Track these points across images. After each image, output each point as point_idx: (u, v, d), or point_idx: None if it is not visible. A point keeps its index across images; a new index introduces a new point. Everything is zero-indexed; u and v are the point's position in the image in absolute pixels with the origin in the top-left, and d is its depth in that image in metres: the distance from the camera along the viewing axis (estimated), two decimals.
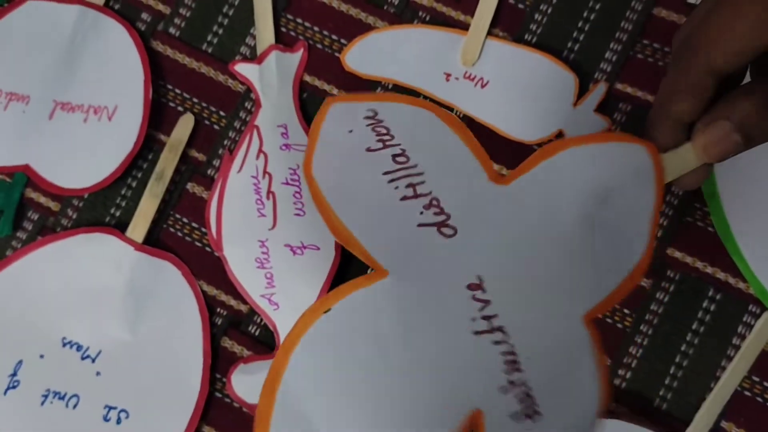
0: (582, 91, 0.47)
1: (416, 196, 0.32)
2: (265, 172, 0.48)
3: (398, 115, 0.33)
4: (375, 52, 0.49)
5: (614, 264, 0.32)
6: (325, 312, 0.29)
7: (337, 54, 0.49)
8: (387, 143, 0.32)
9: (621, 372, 0.45)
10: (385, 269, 0.31)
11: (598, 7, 0.48)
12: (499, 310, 0.30)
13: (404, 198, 0.32)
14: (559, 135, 0.46)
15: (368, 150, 0.32)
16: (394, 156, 0.32)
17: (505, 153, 0.47)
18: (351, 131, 0.33)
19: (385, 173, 0.32)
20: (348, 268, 0.47)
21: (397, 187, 0.32)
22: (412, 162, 0.32)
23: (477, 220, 0.32)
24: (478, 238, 0.31)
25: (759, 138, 0.30)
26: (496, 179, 0.33)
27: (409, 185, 0.32)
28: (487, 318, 0.30)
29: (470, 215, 0.32)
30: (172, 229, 0.49)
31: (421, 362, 0.29)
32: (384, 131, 0.33)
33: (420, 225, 0.32)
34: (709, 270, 0.45)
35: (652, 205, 0.33)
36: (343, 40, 0.49)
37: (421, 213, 0.32)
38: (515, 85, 0.47)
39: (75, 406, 0.46)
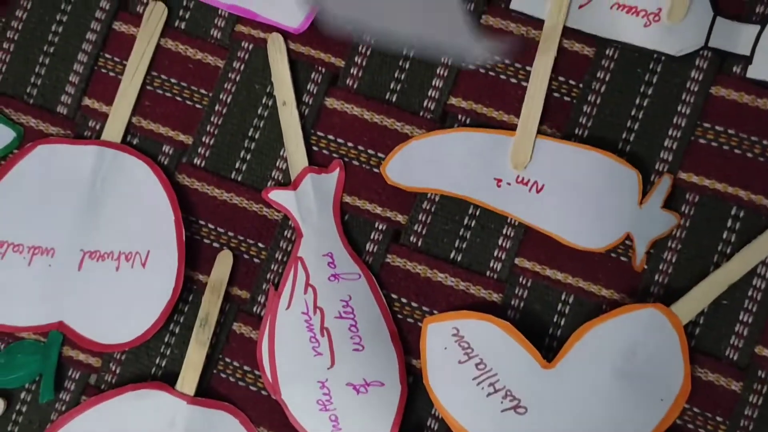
0: (645, 186, 0.44)
1: (496, 391, 0.43)
2: (315, 307, 0.45)
3: (473, 330, 0.44)
4: (417, 162, 0.46)
5: (655, 401, 0.42)
6: None
7: (375, 169, 0.46)
8: (470, 355, 0.44)
9: None
10: None
11: (650, 92, 0.45)
12: None
13: (489, 394, 0.43)
14: (627, 239, 0.43)
15: (459, 362, 0.44)
16: (476, 365, 0.43)
17: (571, 261, 0.44)
18: (446, 348, 0.44)
19: (474, 378, 0.43)
20: (414, 400, 0.44)
21: (482, 388, 0.43)
22: (488, 367, 0.43)
23: (539, 399, 0.43)
24: (543, 412, 0.43)
25: None
26: (544, 365, 0.43)
27: (490, 384, 0.43)
28: None
29: (533, 396, 0.43)
30: (223, 375, 0.46)
31: None
32: (466, 345, 0.44)
33: (503, 411, 0.43)
34: None
35: (677, 342, 0.42)
36: (380, 154, 0.46)
37: (501, 402, 0.43)
38: (573, 187, 0.44)
39: None
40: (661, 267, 0.44)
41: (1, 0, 0.48)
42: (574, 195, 0.44)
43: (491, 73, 0.46)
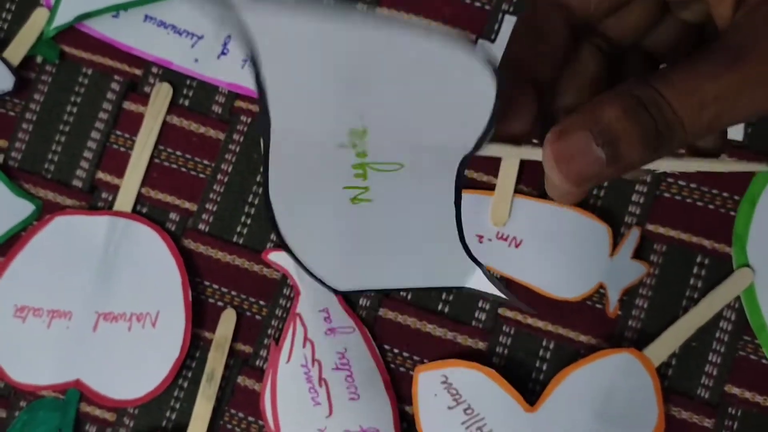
0: (616, 238, 0.47)
1: None
2: (314, 359, 0.48)
3: (460, 377, 0.47)
4: None
5: None
6: None
7: None
8: (459, 401, 0.46)
9: None
10: None
11: None
12: None
13: None
14: (601, 288, 0.47)
15: (449, 408, 0.47)
16: (464, 410, 0.46)
17: (550, 310, 0.47)
18: (436, 395, 0.47)
19: (462, 423, 0.46)
20: None
21: (470, 429, 0.46)
22: (476, 411, 0.46)
23: None
24: None
25: (625, 152, 0.22)
26: (528, 409, 0.46)
27: (477, 428, 0.46)
28: None
29: None
30: (229, 426, 0.49)
31: None
32: (455, 392, 0.46)
33: None
34: None
35: (650, 383, 0.45)
36: None
37: None
38: (549, 242, 0.47)
39: None
40: (633, 313, 0.47)
41: (22, 85, 0.53)
42: (550, 249, 0.47)
43: None
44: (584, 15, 0.25)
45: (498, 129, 0.23)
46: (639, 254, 0.47)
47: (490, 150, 0.25)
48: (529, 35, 0.25)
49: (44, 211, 0.52)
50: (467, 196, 0.49)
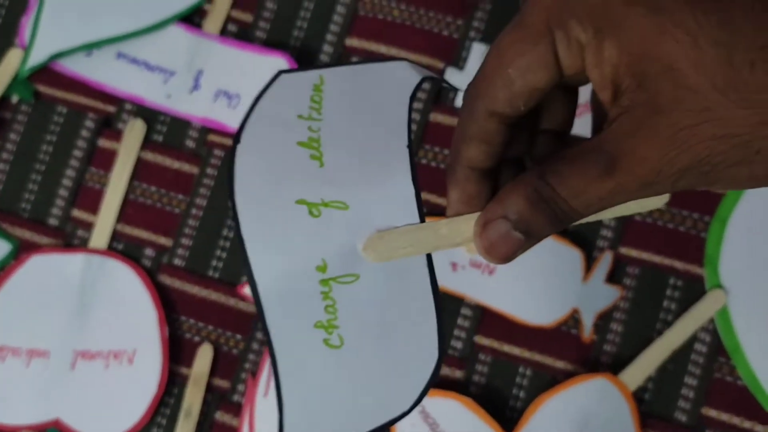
0: (589, 262, 0.47)
1: None
2: None
3: (438, 407, 0.47)
4: None
5: None
6: None
7: None
8: (436, 430, 0.47)
9: None
10: None
11: None
12: None
13: None
14: (575, 313, 0.47)
15: None
16: None
17: (526, 337, 0.47)
18: (413, 425, 0.47)
19: None
20: None
21: None
22: None
23: None
24: None
25: (537, 232, 0.27)
26: None
27: None
28: None
29: None
30: None
31: None
32: (432, 421, 0.46)
33: None
34: (747, 425, 0.45)
35: (627, 408, 0.46)
36: None
37: None
38: (523, 268, 0.47)
39: None
40: (608, 337, 0.47)
41: None
42: (523, 275, 0.47)
43: (442, 165, 0.50)
44: (517, 115, 0.28)
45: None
46: (612, 278, 0.47)
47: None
48: (474, 141, 0.29)
49: (21, 250, 0.53)
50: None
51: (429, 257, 0.30)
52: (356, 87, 0.31)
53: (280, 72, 0.30)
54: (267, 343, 0.28)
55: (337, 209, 0.29)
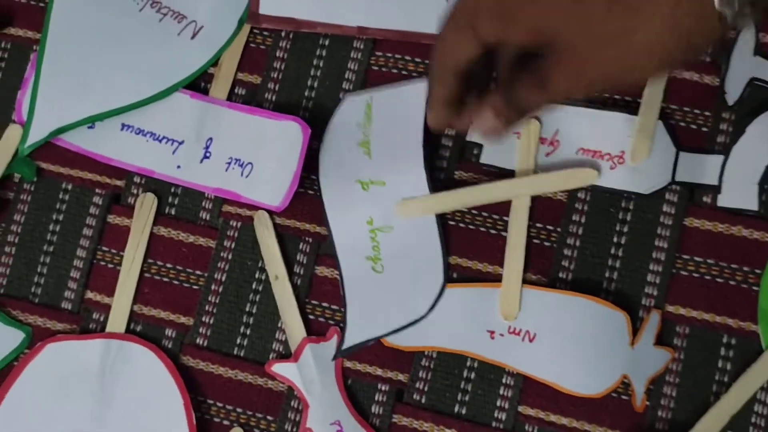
0: (635, 323, 0.45)
1: None
2: None
3: None
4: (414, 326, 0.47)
5: None
6: None
7: None
8: None
9: None
10: None
11: (626, 230, 0.46)
12: None
13: None
14: (625, 379, 0.44)
15: None
16: None
17: (573, 406, 0.45)
18: None
19: None
20: None
21: None
22: None
23: None
24: None
25: (511, 119, 0.37)
26: None
27: None
28: None
29: None
30: None
31: None
32: None
33: None
34: None
35: None
36: None
37: None
38: (565, 334, 0.45)
39: None
40: (662, 402, 0.44)
41: (0, 206, 0.51)
42: (567, 342, 0.45)
43: (470, 226, 0.48)
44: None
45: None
46: (661, 340, 0.45)
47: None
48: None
49: (35, 338, 0.50)
50: (474, 290, 0.47)
51: (438, 217, 0.48)
52: (394, 105, 0.49)
53: (347, 95, 0.50)
54: (338, 271, 0.48)
55: (379, 185, 0.49)
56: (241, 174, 0.50)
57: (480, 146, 0.48)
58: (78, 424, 0.48)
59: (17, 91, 0.52)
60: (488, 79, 0.40)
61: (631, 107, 0.47)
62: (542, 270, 0.47)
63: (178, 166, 0.50)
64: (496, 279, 0.47)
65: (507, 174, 0.48)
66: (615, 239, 0.46)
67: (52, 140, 0.51)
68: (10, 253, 0.51)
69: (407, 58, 0.50)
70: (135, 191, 0.51)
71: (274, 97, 0.51)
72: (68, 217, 0.51)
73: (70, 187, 0.51)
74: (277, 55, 0.51)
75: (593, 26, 0.33)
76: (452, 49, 0.37)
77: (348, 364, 0.48)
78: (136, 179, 0.51)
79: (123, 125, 0.51)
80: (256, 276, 0.49)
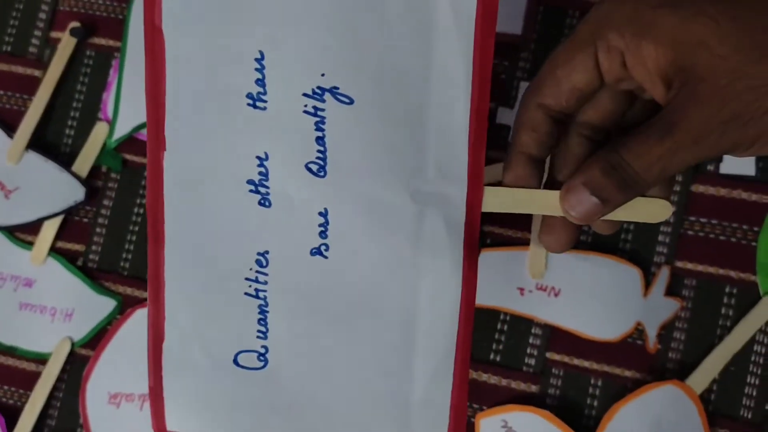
0: (648, 278, 0.51)
1: None
2: None
3: (518, 420, 0.51)
4: None
5: None
6: None
7: None
8: None
9: None
10: None
11: None
12: None
13: None
14: (639, 326, 0.51)
15: None
16: None
17: (595, 350, 0.51)
18: None
19: None
20: None
21: None
22: None
23: None
24: None
25: (609, 197, 0.33)
26: None
27: None
28: None
29: None
30: None
31: None
32: None
33: None
34: None
35: (695, 411, 0.49)
36: None
37: None
38: (586, 289, 0.51)
39: None
40: (672, 345, 0.51)
41: (92, 193, 0.59)
42: (587, 295, 0.51)
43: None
44: (561, 110, 0.35)
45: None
46: (671, 291, 0.51)
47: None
48: (524, 127, 0.35)
49: (125, 305, 0.58)
50: (505, 252, 0.53)
51: None
52: None
53: None
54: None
55: None
56: None
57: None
58: None
59: (102, 93, 0.60)
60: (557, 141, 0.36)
61: None
62: None
63: None
64: (525, 243, 0.53)
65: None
66: None
67: (135, 135, 0.59)
68: (101, 233, 0.59)
69: None
70: None
71: None
72: None
73: None
74: None
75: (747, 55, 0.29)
76: (562, 71, 0.33)
77: None
78: None
79: None
80: None
